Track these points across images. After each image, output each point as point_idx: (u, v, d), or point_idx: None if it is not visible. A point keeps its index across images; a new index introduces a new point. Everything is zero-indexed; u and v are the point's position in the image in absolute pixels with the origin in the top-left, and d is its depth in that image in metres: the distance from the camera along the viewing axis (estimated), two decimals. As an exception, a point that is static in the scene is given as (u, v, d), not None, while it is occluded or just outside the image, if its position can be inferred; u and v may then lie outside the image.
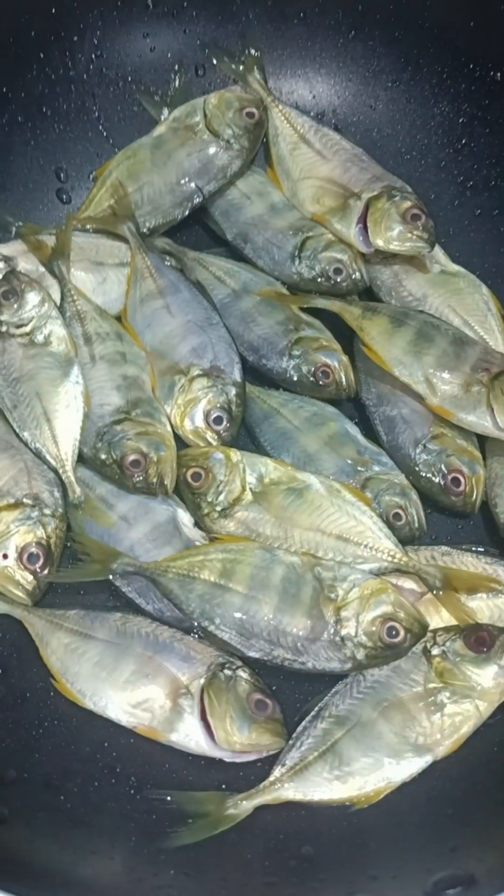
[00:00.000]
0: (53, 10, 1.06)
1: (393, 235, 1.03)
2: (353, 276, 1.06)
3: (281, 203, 1.11)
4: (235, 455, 0.95)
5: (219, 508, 0.94)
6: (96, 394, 0.99)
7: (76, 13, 1.08)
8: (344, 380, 1.02)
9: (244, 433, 1.03)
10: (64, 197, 1.15)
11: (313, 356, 1.02)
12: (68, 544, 0.95)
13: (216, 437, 0.99)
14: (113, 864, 0.74)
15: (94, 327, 1.03)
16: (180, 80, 1.14)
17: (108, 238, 1.08)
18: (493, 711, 0.85)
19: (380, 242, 1.03)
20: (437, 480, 0.97)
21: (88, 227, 1.08)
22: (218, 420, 0.99)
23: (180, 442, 1.00)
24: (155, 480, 0.94)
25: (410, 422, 1.00)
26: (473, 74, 1.09)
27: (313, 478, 0.94)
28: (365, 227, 1.05)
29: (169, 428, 0.99)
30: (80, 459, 0.99)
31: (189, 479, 0.95)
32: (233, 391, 1.00)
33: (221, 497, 0.94)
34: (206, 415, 0.99)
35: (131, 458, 0.94)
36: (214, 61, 1.14)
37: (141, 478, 0.94)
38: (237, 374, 1.01)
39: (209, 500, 0.94)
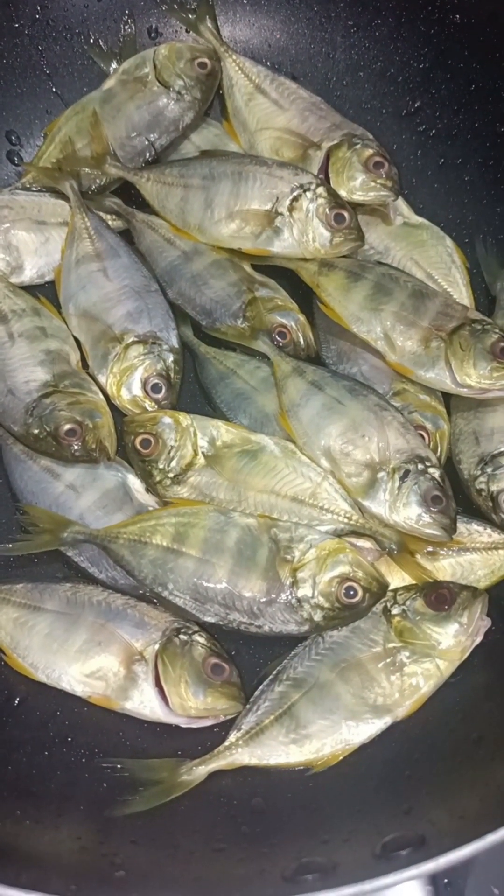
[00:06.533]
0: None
1: (356, 185, 1.00)
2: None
3: (238, 157, 1.07)
4: (185, 419, 0.92)
5: (171, 475, 0.91)
6: (19, 371, 0.95)
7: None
8: (301, 339, 0.99)
9: (200, 396, 1.00)
10: (15, 159, 1.11)
11: (268, 317, 0.98)
12: (16, 515, 0.93)
13: (155, 406, 0.95)
14: (58, 833, 0.73)
15: (7, 305, 0.99)
16: (130, 31, 1.10)
17: (52, 196, 1.05)
18: (454, 671, 0.83)
19: (343, 193, 0.99)
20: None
21: (32, 185, 1.05)
22: (156, 388, 0.95)
23: (117, 414, 0.96)
24: (94, 446, 0.91)
25: (371, 378, 0.97)
26: (431, 17, 1.04)
27: (267, 439, 0.92)
28: (327, 178, 1.01)
29: (101, 396, 0.96)
30: (14, 438, 0.95)
31: (138, 447, 0.92)
32: (170, 357, 0.96)
33: (173, 463, 0.91)
34: (144, 383, 0.95)
35: (66, 427, 0.91)
36: (164, 8, 1.09)
37: (79, 446, 0.91)
38: (174, 340, 0.98)
39: (160, 467, 0.91)
